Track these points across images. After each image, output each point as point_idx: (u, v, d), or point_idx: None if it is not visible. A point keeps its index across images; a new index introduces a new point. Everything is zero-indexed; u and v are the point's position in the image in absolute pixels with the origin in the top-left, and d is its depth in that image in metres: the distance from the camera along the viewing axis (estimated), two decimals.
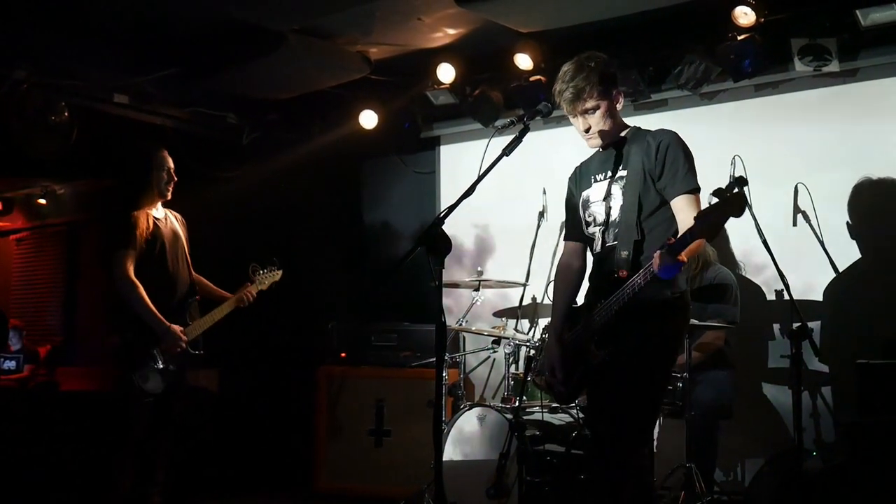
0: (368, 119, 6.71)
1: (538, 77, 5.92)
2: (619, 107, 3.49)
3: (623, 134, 3.50)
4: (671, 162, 3.32)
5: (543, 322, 5.02)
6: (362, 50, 6.00)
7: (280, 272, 5.24)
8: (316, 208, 7.67)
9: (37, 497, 5.64)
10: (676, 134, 3.41)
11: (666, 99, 5.96)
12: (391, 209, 7.41)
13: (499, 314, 5.91)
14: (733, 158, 4.86)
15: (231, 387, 7.02)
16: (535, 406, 4.88)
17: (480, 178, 3.17)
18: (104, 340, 4.95)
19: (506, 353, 5.12)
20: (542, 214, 5.83)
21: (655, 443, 4.48)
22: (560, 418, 4.90)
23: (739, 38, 5.17)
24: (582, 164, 3.67)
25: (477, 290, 5.49)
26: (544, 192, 5.80)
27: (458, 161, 6.94)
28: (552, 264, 5.42)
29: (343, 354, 6.41)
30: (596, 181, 3.52)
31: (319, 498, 6.22)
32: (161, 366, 4.58)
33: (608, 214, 3.43)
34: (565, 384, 3.50)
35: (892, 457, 3.95)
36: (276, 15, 5.37)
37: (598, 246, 3.48)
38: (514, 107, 6.13)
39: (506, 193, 6.25)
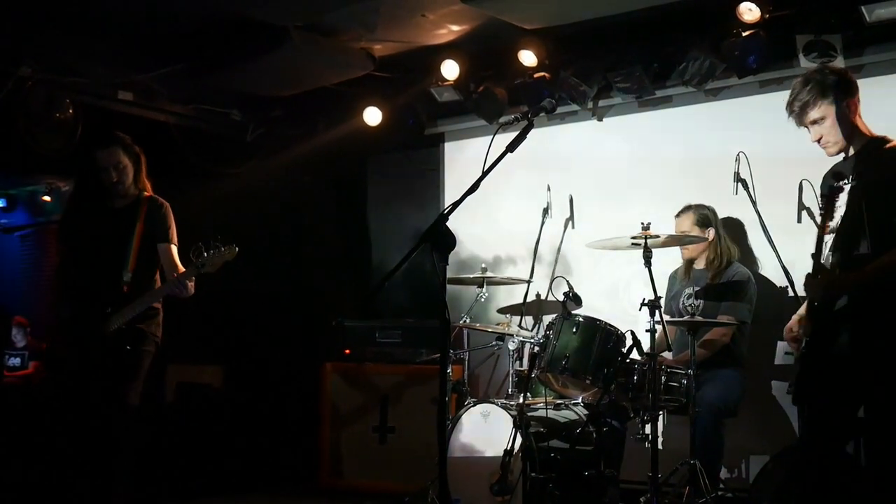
0: (372, 116, 6.71)
1: (542, 73, 5.92)
2: (850, 116, 3.53)
3: (866, 141, 3.55)
4: (893, 176, 3.36)
5: (548, 318, 5.02)
6: (366, 46, 5.99)
7: (231, 250, 4.58)
8: (320, 204, 7.67)
9: (41, 494, 5.64)
10: None
11: (670, 95, 5.95)
12: (395, 206, 7.41)
13: (503, 311, 5.90)
14: (738, 155, 4.85)
15: (236, 383, 7.03)
16: (540, 403, 4.88)
17: (485, 174, 3.16)
18: None
19: (510, 350, 5.11)
20: (546, 211, 5.83)
21: (661, 439, 4.48)
22: (564, 415, 4.90)
23: (744, 34, 5.17)
24: None
25: (481, 286, 5.49)
26: (548, 189, 5.79)
27: (462, 158, 6.93)
28: (556, 261, 5.43)
29: (347, 351, 6.42)
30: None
31: (324, 494, 6.23)
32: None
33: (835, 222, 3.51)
34: None
35: None
36: (280, 11, 5.38)
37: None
38: (518, 103, 6.12)
39: (510, 190, 6.25)
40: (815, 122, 3.56)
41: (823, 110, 3.52)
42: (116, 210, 4.69)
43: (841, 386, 3.39)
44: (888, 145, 3.47)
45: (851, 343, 3.36)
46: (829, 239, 3.55)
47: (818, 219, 3.46)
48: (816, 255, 3.42)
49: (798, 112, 3.57)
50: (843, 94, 3.52)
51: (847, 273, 3.42)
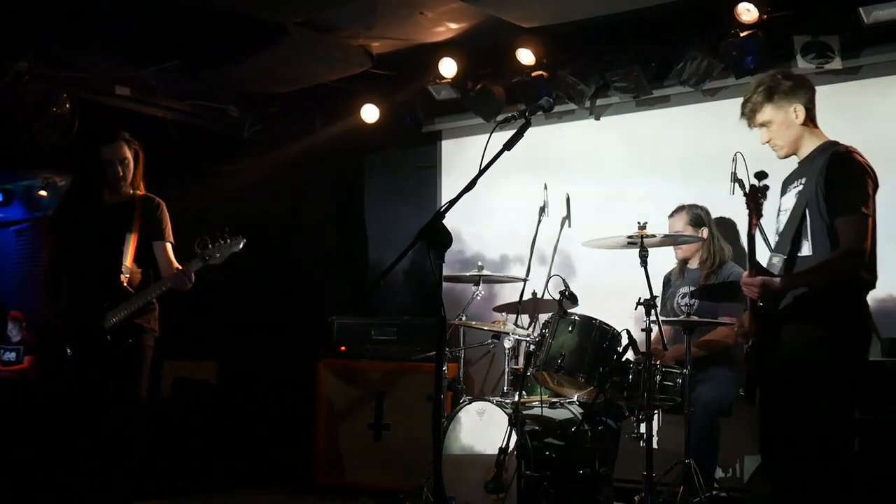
0: (370, 113, 6.71)
1: (540, 72, 5.93)
2: (798, 121, 3.60)
3: (816, 146, 3.61)
4: (834, 181, 3.43)
5: (544, 317, 5.02)
6: (364, 44, 5.99)
7: (237, 241, 4.63)
8: (317, 201, 7.67)
9: (36, 490, 5.64)
10: (849, 153, 3.51)
11: (668, 95, 5.96)
12: (392, 203, 7.40)
13: (499, 309, 5.90)
14: (735, 155, 4.84)
15: (231, 380, 7.02)
16: (535, 401, 4.88)
17: (481, 172, 3.16)
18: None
19: (506, 348, 5.11)
20: (542, 210, 5.81)
21: (655, 438, 4.48)
22: (560, 413, 4.90)
23: (742, 34, 5.17)
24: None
25: (477, 284, 5.48)
26: (545, 188, 5.78)
27: (459, 155, 6.93)
28: (552, 260, 5.42)
29: (343, 348, 6.41)
30: (787, 192, 3.69)
31: (319, 491, 6.23)
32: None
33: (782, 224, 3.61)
34: None
35: (892, 453, 3.95)
36: (279, 8, 5.37)
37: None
38: (515, 102, 6.12)
39: (507, 188, 6.24)
40: (762, 124, 3.65)
41: (770, 114, 3.61)
42: (112, 206, 4.69)
43: (787, 387, 3.42)
44: (834, 149, 3.53)
45: (794, 346, 3.40)
46: (777, 239, 3.63)
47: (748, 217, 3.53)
48: (750, 255, 3.47)
49: (748, 115, 3.68)
50: (792, 99, 3.59)
51: (783, 277, 3.47)
